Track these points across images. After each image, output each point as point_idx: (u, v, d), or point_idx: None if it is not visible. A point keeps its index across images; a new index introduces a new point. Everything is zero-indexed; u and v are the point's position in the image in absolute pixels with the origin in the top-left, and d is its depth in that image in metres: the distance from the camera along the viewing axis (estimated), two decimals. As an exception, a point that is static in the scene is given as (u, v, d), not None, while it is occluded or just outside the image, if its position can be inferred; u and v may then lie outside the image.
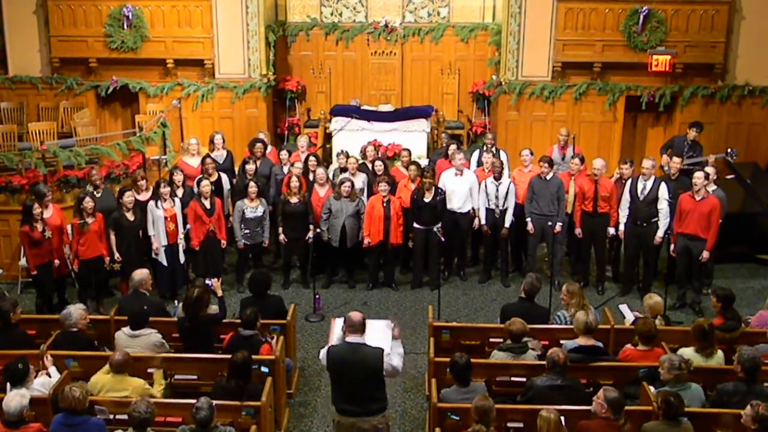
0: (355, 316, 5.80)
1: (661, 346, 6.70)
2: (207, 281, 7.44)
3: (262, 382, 6.35)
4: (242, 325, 6.91)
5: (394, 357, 5.77)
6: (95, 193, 9.21)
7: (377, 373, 5.68)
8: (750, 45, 12.50)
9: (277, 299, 7.75)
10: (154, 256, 9.23)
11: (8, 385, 6.08)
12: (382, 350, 5.73)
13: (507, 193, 9.67)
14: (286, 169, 10.25)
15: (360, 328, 5.75)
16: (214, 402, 5.58)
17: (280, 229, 9.68)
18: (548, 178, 9.57)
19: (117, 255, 9.06)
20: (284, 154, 10.45)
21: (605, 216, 9.53)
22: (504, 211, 9.70)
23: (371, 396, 5.75)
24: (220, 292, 7.38)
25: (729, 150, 11.13)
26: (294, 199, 9.56)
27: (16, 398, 5.51)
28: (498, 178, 9.68)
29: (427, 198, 9.51)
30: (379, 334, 6.17)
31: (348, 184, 9.57)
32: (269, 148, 11.05)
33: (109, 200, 9.36)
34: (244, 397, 6.10)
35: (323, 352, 5.85)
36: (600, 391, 5.56)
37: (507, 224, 9.75)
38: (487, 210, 9.74)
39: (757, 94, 12.58)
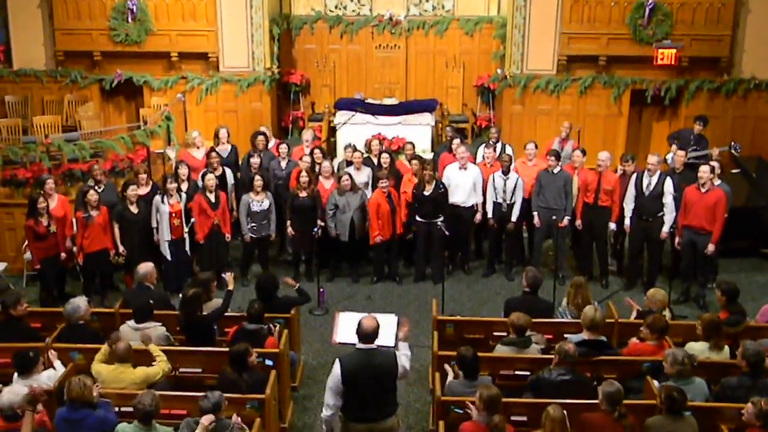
0: (369, 325, 5.56)
1: (667, 340, 6.70)
2: (223, 274, 7.63)
3: (267, 375, 6.37)
4: (247, 318, 6.92)
5: (402, 358, 5.70)
6: (97, 188, 9.20)
7: (393, 376, 5.59)
8: (756, 39, 12.45)
9: (284, 302, 7.60)
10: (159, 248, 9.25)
11: (15, 375, 6.11)
12: (395, 352, 5.66)
13: (515, 187, 9.65)
14: (284, 164, 10.25)
15: (372, 339, 5.56)
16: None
17: (288, 223, 9.67)
18: (555, 171, 9.55)
19: (121, 248, 9.09)
20: (284, 147, 10.43)
21: (606, 209, 9.50)
22: (511, 206, 9.69)
23: (386, 399, 5.66)
24: (231, 286, 7.44)
25: (733, 143, 11.08)
26: (303, 194, 9.55)
27: (6, 395, 5.49)
28: (506, 172, 9.66)
29: (428, 191, 9.51)
30: (385, 330, 6.14)
31: (346, 177, 9.56)
32: (272, 141, 11.04)
33: (111, 195, 9.38)
34: (244, 389, 6.10)
35: (336, 366, 5.59)
36: (603, 384, 5.58)
37: (514, 218, 9.73)
38: (494, 203, 9.72)
39: (763, 88, 12.54)
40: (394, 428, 5.75)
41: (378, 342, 5.75)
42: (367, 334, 5.55)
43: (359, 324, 5.60)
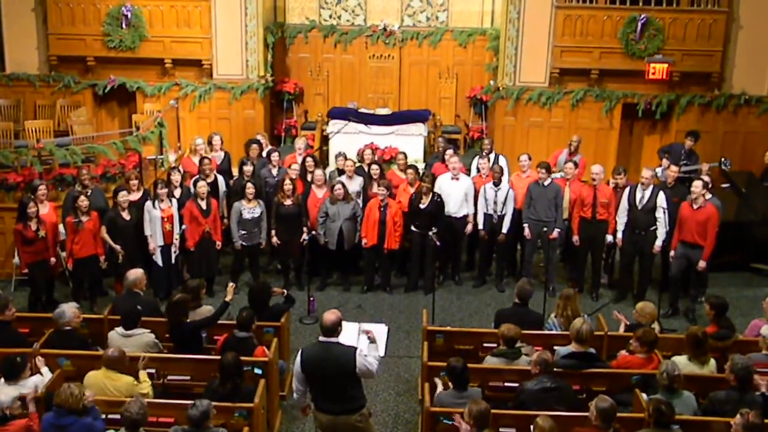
0: (329, 319, 5.76)
1: (656, 353, 6.72)
2: (230, 284, 7.80)
3: (256, 384, 6.35)
4: (237, 326, 6.90)
5: (370, 358, 5.76)
6: (84, 192, 9.14)
7: (350, 371, 5.67)
8: (747, 54, 12.56)
9: (275, 311, 7.60)
10: (152, 255, 9.22)
11: (1, 380, 6.07)
12: (355, 348, 5.75)
13: (506, 198, 9.67)
14: (275, 171, 10.25)
15: (333, 333, 5.75)
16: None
17: (273, 232, 9.67)
18: (546, 183, 9.58)
19: (118, 248, 9.03)
20: (275, 155, 10.43)
21: (604, 223, 9.52)
22: (502, 217, 9.71)
23: (346, 394, 5.75)
24: (229, 298, 7.42)
25: (723, 159, 11.14)
26: (288, 202, 9.55)
27: None
28: (497, 183, 9.69)
29: (424, 204, 9.51)
30: (356, 337, 6.21)
31: (339, 186, 9.57)
32: (267, 149, 11.02)
33: (98, 200, 9.33)
34: (237, 399, 6.08)
35: (298, 355, 5.86)
36: (595, 399, 5.57)
37: (505, 230, 9.75)
38: (485, 215, 9.74)
39: (753, 104, 12.64)
40: (358, 427, 5.79)
41: (369, 348, 5.85)
42: (327, 328, 5.76)
43: (321, 318, 5.83)
